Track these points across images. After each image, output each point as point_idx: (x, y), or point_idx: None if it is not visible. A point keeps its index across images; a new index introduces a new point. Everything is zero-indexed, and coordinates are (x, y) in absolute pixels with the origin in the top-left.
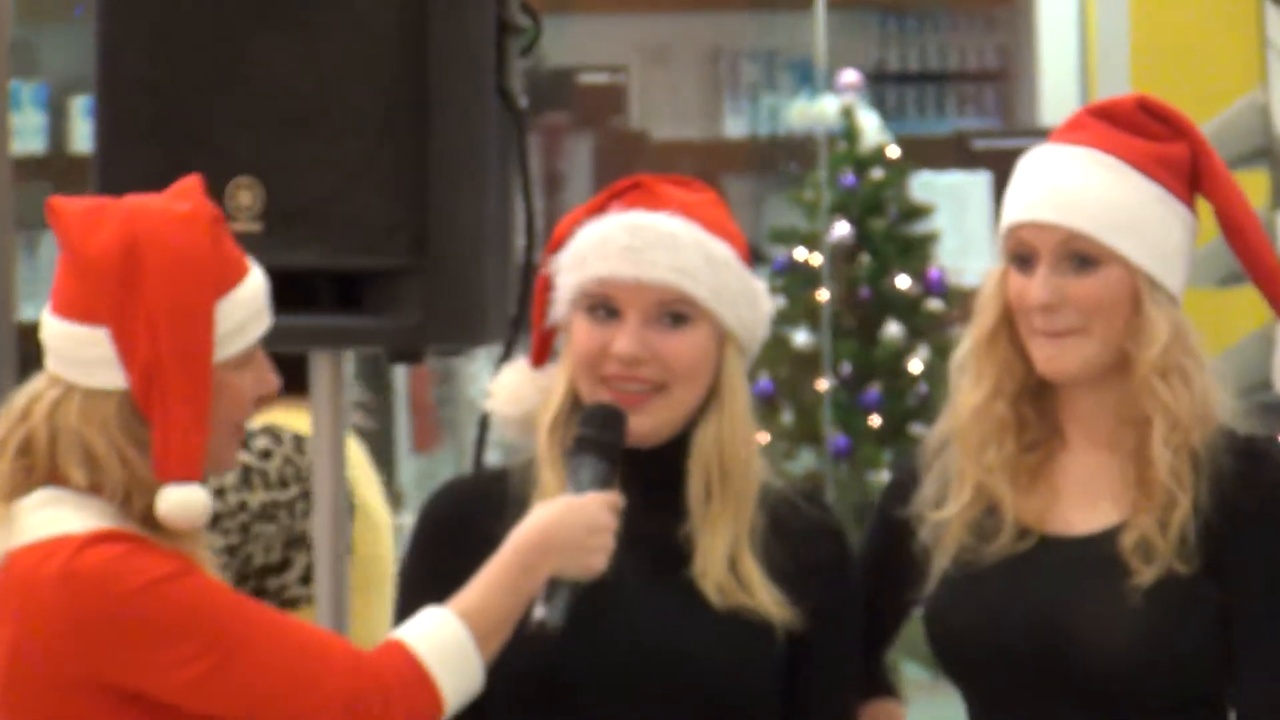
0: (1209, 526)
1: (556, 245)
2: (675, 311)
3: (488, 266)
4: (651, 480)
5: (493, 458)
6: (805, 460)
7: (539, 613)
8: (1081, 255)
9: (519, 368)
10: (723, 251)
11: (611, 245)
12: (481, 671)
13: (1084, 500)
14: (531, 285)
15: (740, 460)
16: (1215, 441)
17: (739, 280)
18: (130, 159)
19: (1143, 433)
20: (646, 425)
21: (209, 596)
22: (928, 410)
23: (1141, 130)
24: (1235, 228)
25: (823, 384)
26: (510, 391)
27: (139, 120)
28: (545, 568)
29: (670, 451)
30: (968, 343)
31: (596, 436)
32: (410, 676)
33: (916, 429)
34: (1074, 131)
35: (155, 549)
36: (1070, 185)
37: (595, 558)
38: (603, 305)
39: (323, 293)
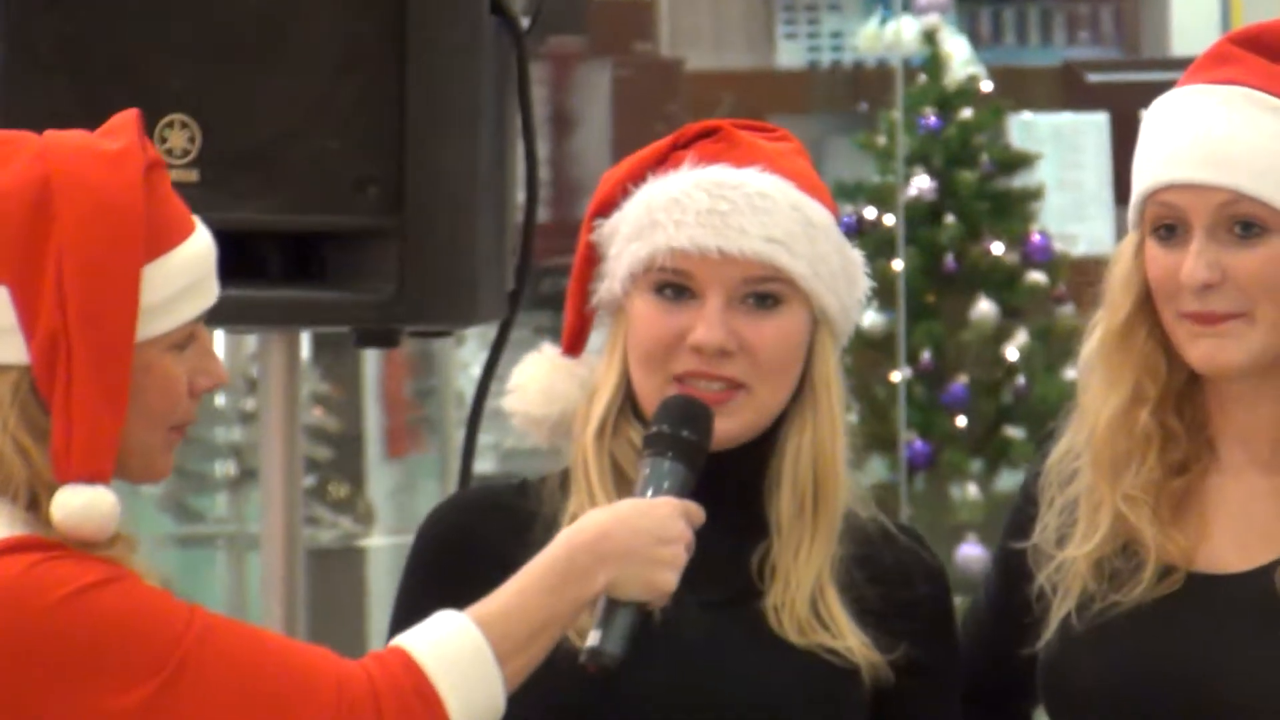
0: None
1: (605, 205)
2: (766, 291)
3: (479, 228)
4: (723, 492)
5: (484, 465)
6: (875, 470)
7: (594, 639)
8: (1247, 221)
9: (548, 357)
10: (821, 216)
11: (689, 208)
12: (502, 693)
13: (1240, 531)
14: (532, 250)
15: (835, 473)
16: None
17: (838, 252)
18: (34, 90)
19: None
20: (730, 428)
21: (149, 604)
22: (1026, 409)
23: None
24: None
25: (897, 376)
26: (542, 386)
27: (45, 43)
28: (599, 578)
29: (748, 458)
30: (1098, 336)
31: (676, 434)
32: (410, 690)
33: (1012, 432)
34: (1220, 66)
35: (77, 555)
36: (1228, 135)
37: (665, 573)
38: (675, 283)
39: (273, 258)
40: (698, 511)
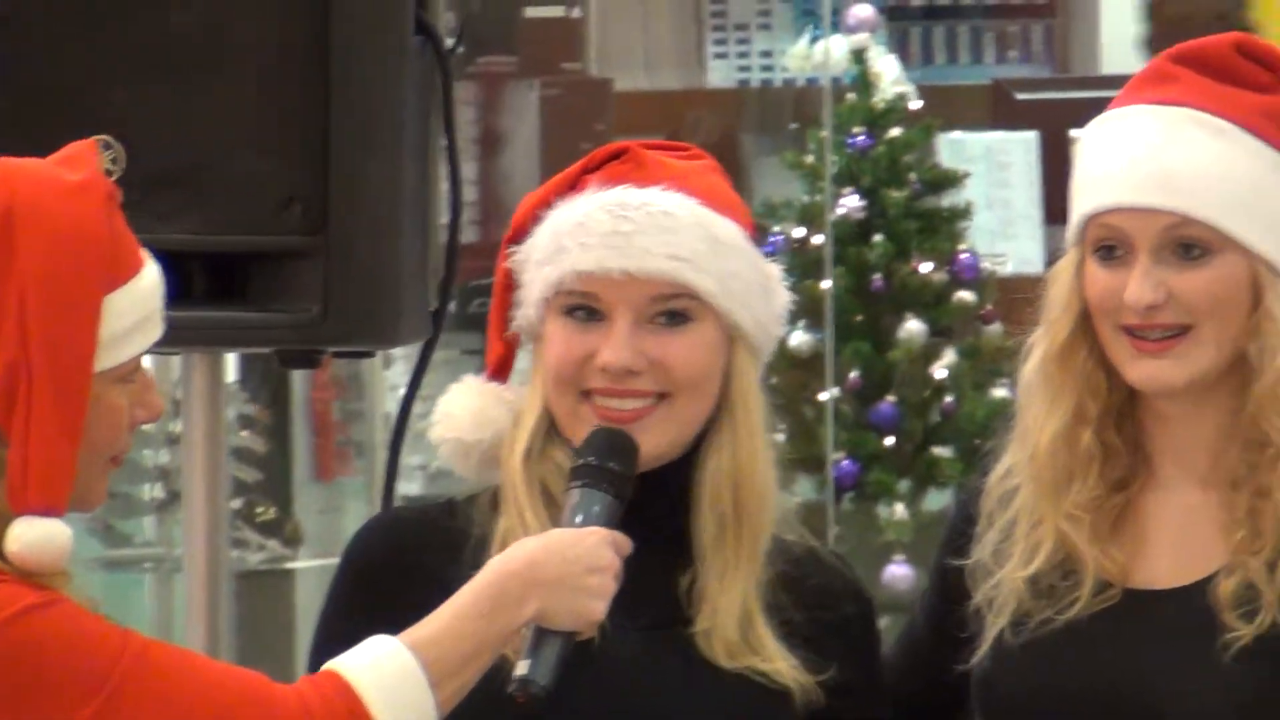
0: None
1: (519, 232)
2: (674, 309)
3: (404, 248)
4: (649, 515)
5: (411, 487)
6: (802, 489)
7: (523, 668)
8: (1191, 243)
9: (476, 384)
10: (729, 231)
11: (593, 231)
12: (435, 717)
13: (1176, 547)
14: (456, 269)
15: (756, 492)
16: None
17: (751, 266)
18: None
19: (1256, 457)
20: (648, 444)
21: (85, 627)
22: (954, 428)
23: (1245, 79)
24: None
25: (825, 395)
26: (472, 412)
27: None
28: (529, 605)
29: (668, 479)
30: (1038, 355)
31: (603, 464)
32: (344, 713)
33: (940, 451)
34: (1161, 85)
35: (11, 580)
36: (1173, 157)
37: (594, 602)
38: (584, 305)
39: (198, 279)
40: (625, 541)
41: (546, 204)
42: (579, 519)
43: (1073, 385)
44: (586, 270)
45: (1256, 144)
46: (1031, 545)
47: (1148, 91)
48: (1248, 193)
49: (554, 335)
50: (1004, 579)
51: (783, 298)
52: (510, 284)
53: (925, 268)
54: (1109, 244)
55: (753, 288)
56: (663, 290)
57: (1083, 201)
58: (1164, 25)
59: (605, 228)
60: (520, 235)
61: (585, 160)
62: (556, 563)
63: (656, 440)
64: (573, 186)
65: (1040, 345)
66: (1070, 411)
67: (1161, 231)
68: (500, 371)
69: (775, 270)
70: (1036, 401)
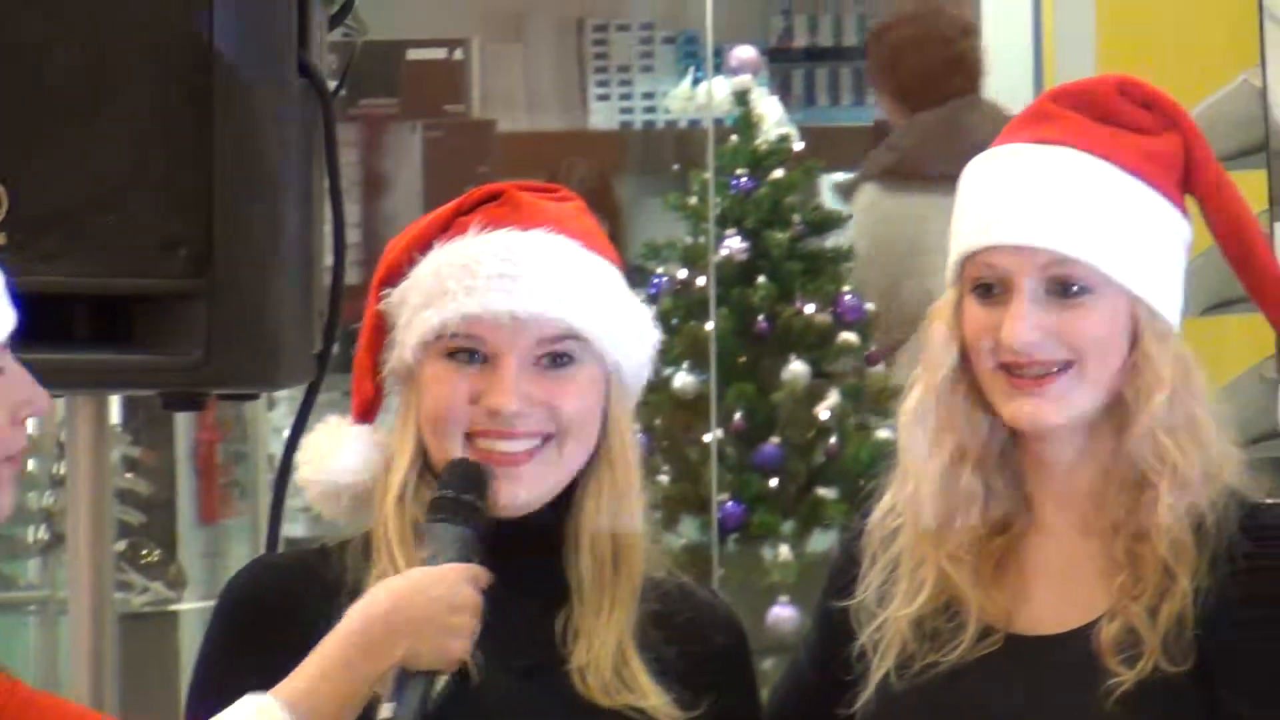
0: (1208, 615)
1: (392, 274)
2: (559, 351)
3: (288, 290)
4: (525, 556)
5: (296, 529)
6: (687, 530)
7: (386, 710)
8: (1069, 282)
9: (338, 426)
10: (609, 273)
11: (479, 273)
12: None
13: (1058, 593)
14: (340, 311)
15: (634, 531)
16: (1225, 508)
17: (627, 308)
18: None
19: (1135, 500)
20: (530, 491)
21: None
22: (838, 469)
23: (1125, 121)
24: (1234, 235)
25: (709, 437)
26: (347, 455)
27: None
28: (393, 650)
29: (542, 522)
30: (917, 394)
31: (458, 497)
32: None
33: (824, 492)
34: (1042, 124)
35: None
36: (1051, 197)
37: (456, 641)
38: (467, 348)
39: (81, 321)
40: (484, 574)
41: (421, 246)
42: (438, 556)
43: (952, 424)
44: (473, 314)
45: (1136, 184)
46: (915, 585)
47: (1028, 131)
48: (1126, 232)
49: (435, 378)
50: (888, 620)
51: (653, 338)
52: (382, 326)
53: (809, 309)
54: (987, 282)
55: (629, 329)
56: (548, 333)
57: (961, 240)
58: (886, 51)
59: (492, 270)
60: (393, 277)
61: (457, 202)
62: (421, 603)
63: (539, 486)
64: (445, 229)
65: (920, 384)
66: (950, 450)
67: (1039, 270)
68: (367, 414)
69: (646, 311)
70: (916, 441)
